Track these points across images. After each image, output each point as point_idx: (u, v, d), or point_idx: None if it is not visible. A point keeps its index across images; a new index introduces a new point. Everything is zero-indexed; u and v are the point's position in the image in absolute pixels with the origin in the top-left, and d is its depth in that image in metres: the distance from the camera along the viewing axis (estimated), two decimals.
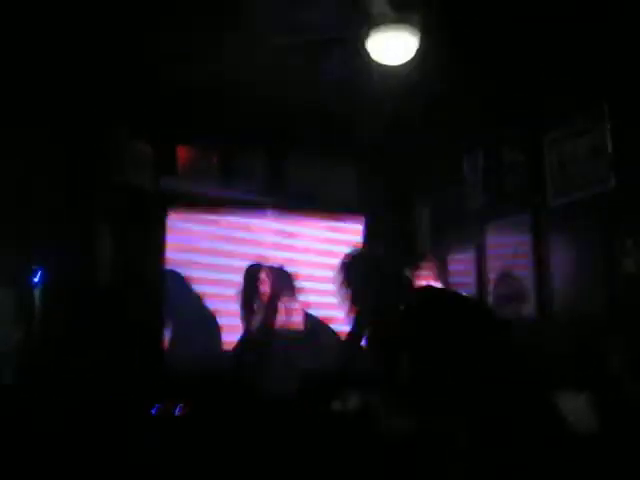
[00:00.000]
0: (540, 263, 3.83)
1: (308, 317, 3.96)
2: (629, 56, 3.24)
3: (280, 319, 3.91)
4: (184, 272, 4.25)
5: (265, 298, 3.95)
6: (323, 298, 4.30)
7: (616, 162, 3.36)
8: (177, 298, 4.21)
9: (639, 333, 2.98)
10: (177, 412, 3.13)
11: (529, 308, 3.83)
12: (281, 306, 3.94)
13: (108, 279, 3.99)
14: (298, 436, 2.17)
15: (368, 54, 3.38)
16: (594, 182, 3.49)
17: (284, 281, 4.04)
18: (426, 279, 3.70)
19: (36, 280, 3.49)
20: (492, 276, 4.18)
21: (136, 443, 2.44)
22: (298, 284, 4.09)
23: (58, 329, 3.55)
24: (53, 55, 3.66)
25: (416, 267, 3.72)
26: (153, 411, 3.10)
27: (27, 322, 3.45)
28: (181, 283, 4.23)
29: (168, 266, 4.21)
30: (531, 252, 3.89)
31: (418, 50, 3.35)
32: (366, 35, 3.29)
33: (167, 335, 4.12)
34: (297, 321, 3.89)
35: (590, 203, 3.51)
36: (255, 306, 3.97)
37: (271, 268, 4.07)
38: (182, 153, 4.46)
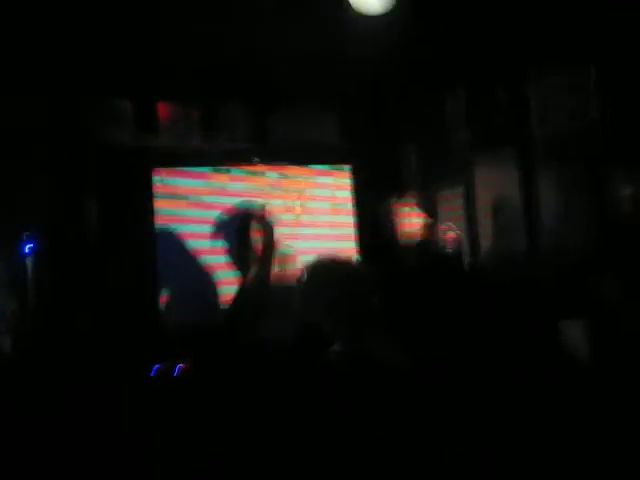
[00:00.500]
0: (527, 197, 3.85)
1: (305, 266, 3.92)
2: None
3: (275, 270, 3.90)
4: (175, 228, 4.23)
5: (259, 249, 3.92)
6: (319, 244, 4.34)
7: (602, 95, 3.36)
8: (170, 255, 4.20)
9: (629, 260, 3.02)
10: (177, 371, 3.16)
11: (521, 242, 3.88)
12: (275, 256, 3.92)
13: (98, 242, 3.98)
14: (298, 386, 2.19)
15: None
16: (580, 115, 3.49)
17: (273, 229, 4.01)
18: (411, 215, 3.66)
19: (27, 250, 3.47)
20: (484, 210, 4.21)
21: (135, 407, 2.46)
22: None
23: (52, 296, 3.55)
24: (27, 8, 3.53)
25: (400, 204, 3.66)
26: (152, 372, 3.12)
27: (21, 293, 3.45)
28: (173, 240, 4.21)
29: (158, 224, 4.19)
30: (518, 187, 3.91)
31: None
32: None
33: (163, 294, 4.13)
34: (293, 271, 3.88)
35: (577, 136, 3.51)
36: (249, 258, 3.94)
37: (261, 217, 4.03)
38: (163, 108, 4.39)
